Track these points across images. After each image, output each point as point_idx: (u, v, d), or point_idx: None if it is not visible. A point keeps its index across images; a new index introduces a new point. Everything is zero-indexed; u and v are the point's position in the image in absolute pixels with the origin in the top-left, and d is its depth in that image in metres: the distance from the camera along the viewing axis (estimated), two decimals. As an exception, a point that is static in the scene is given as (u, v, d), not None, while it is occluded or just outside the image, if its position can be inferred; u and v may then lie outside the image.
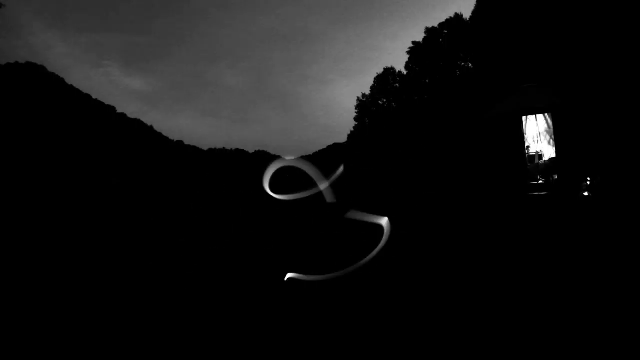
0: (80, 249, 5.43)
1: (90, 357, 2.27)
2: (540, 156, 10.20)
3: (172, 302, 3.13)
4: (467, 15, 24.47)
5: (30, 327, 2.71)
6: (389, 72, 33.30)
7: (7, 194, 10.45)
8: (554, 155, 9.78)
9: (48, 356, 2.31)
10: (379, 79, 33.79)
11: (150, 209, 10.65)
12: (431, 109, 22.79)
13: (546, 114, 10.09)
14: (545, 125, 10.44)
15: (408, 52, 28.41)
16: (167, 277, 3.93)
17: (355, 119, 36.23)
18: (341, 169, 2.54)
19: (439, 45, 26.03)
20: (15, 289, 3.61)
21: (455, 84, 22.58)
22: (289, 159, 2.65)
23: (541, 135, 10.64)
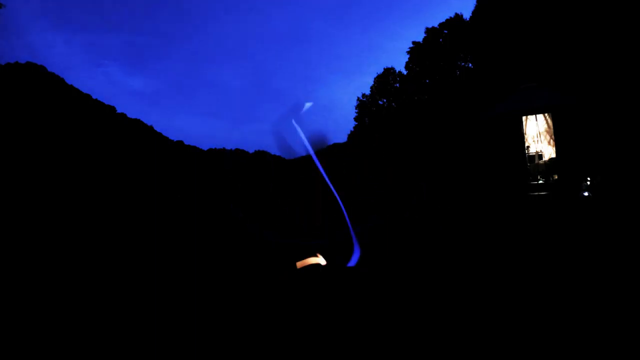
0: (80, 250, 5.42)
1: (91, 357, 2.27)
2: (540, 156, 10.21)
3: (172, 302, 3.13)
4: (467, 15, 24.48)
5: (32, 327, 2.71)
6: (389, 72, 33.26)
7: (7, 193, 10.44)
8: (554, 155, 9.78)
9: (49, 356, 2.31)
10: (379, 79, 33.75)
11: (151, 209, 10.64)
12: (431, 109, 22.78)
13: (546, 114, 10.10)
14: (545, 125, 10.44)
15: (408, 52, 28.40)
16: (168, 277, 3.92)
17: (355, 119, 36.18)
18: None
19: (439, 45, 26.02)
20: (20, 290, 3.61)
21: (455, 84, 22.57)
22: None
23: (541, 135, 10.64)
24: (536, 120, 10.60)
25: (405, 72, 29.82)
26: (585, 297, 2.72)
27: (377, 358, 2.09)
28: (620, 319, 2.32)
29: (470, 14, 22.08)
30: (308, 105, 2.54)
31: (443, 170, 13.42)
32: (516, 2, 15.55)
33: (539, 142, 10.65)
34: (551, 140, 10.18)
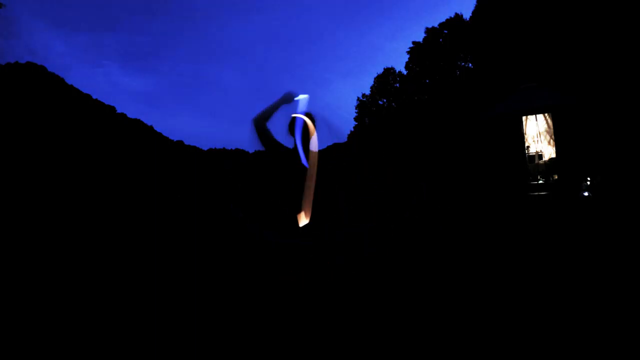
0: (80, 249, 5.43)
1: (89, 357, 2.28)
2: (540, 156, 10.21)
3: (172, 302, 3.13)
4: (467, 15, 24.49)
5: (32, 327, 2.71)
6: (389, 72, 33.27)
7: (7, 194, 10.45)
8: (554, 155, 9.78)
9: (48, 356, 2.31)
10: (379, 79, 33.75)
11: (151, 209, 10.65)
12: (431, 109, 22.78)
13: (546, 114, 10.10)
14: (545, 125, 10.44)
15: (408, 52, 28.39)
16: (168, 277, 3.93)
17: (355, 119, 36.18)
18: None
19: (439, 45, 26.02)
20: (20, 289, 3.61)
21: (455, 84, 22.57)
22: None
23: (541, 135, 10.64)
24: (536, 120, 10.60)
25: (405, 72, 29.82)
26: (585, 296, 2.72)
27: (377, 358, 2.09)
28: (620, 319, 2.32)
29: (470, 14, 22.07)
30: (302, 97, 2.08)
31: (443, 170, 13.42)
32: (516, 2, 15.55)
33: (539, 142, 10.65)
34: (551, 140, 10.18)
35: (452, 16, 25.99)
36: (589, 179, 7.32)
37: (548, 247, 4.24)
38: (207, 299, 3.20)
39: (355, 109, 35.99)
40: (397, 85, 32.28)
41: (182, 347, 2.32)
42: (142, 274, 4.13)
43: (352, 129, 36.64)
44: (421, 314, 2.63)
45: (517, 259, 3.86)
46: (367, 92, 34.99)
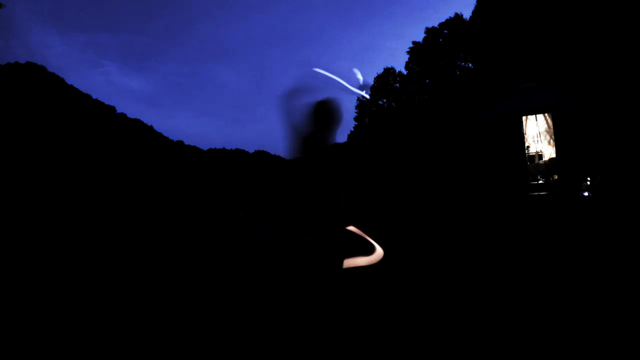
0: (80, 249, 5.43)
1: (88, 357, 2.28)
2: (540, 156, 10.21)
3: (172, 303, 3.13)
4: (467, 15, 24.51)
5: (31, 327, 2.71)
6: (389, 72, 33.29)
7: (7, 194, 10.45)
8: (554, 155, 9.79)
9: (47, 356, 2.31)
10: (379, 79, 33.78)
11: (151, 209, 10.65)
12: (431, 109, 22.79)
13: (546, 114, 10.10)
14: (545, 125, 10.44)
15: (408, 52, 28.41)
16: (168, 277, 3.93)
17: (355, 119, 36.20)
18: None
19: (439, 45, 26.04)
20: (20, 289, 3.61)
21: (455, 84, 22.58)
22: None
23: (541, 135, 10.65)
24: (536, 120, 10.60)
25: (405, 72, 29.84)
26: (585, 297, 2.72)
27: (377, 358, 2.09)
28: (620, 319, 2.32)
29: (470, 14, 22.08)
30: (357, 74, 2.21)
31: (443, 170, 13.43)
32: (516, 2, 15.56)
33: (539, 142, 10.66)
34: (551, 140, 10.18)
35: (452, 16, 26.01)
36: (589, 179, 7.32)
37: (548, 247, 4.24)
38: (207, 298, 3.20)
39: (355, 109, 36.02)
40: (397, 85, 32.31)
41: (182, 347, 2.33)
42: (142, 274, 4.13)
43: (352, 129, 36.66)
44: (421, 314, 2.64)
45: (517, 258, 3.86)
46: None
